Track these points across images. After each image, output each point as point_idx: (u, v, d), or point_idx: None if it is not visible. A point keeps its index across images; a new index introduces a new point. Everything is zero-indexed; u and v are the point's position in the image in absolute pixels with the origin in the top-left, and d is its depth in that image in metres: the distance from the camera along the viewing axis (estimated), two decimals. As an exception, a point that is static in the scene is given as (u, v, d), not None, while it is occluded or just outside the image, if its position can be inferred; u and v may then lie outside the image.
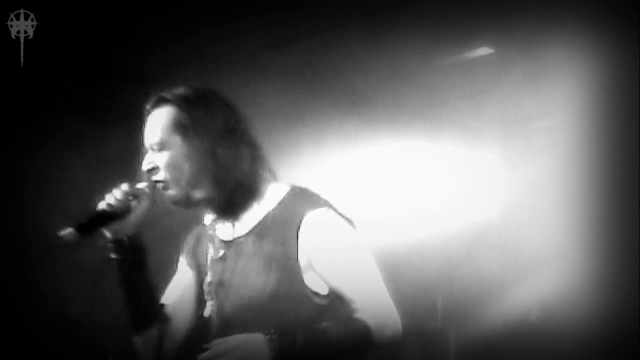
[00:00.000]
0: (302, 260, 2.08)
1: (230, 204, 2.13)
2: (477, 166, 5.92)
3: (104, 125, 4.54)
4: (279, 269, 2.07)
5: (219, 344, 1.98)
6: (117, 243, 2.09)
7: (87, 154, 4.51)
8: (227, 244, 2.19)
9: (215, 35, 4.50)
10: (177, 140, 2.10)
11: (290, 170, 4.85)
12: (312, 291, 2.10)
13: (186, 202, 2.12)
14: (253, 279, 2.10)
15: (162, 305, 2.20)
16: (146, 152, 2.15)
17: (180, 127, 2.11)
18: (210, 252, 2.22)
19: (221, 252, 2.18)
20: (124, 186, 2.08)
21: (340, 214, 2.15)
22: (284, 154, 5.07)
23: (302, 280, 2.08)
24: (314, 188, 2.21)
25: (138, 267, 2.12)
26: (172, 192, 2.10)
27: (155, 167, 2.11)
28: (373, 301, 2.11)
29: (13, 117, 4.30)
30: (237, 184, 2.11)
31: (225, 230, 2.20)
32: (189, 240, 2.33)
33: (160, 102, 2.16)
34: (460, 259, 5.87)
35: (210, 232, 2.22)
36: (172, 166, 2.09)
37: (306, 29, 4.50)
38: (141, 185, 2.10)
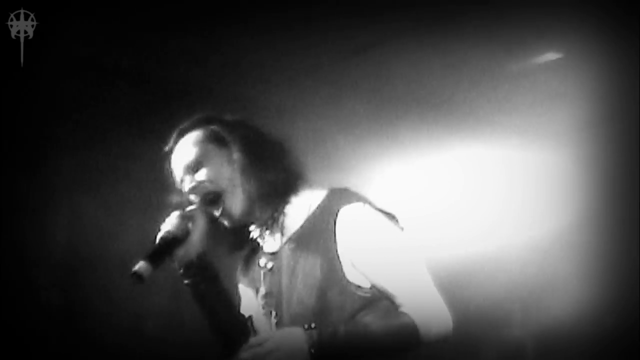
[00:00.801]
0: (342, 255, 2.10)
1: (270, 213, 2.17)
2: (549, 172, 5.85)
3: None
4: (322, 268, 2.08)
5: (259, 344, 1.99)
6: (187, 266, 2.09)
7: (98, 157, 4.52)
8: (273, 255, 2.21)
9: (280, 48, 4.52)
10: (214, 150, 2.15)
11: (359, 178, 4.98)
12: (355, 285, 2.09)
13: (243, 214, 2.14)
14: (302, 285, 2.11)
15: (248, 317, 2.19)
16: (182, 179, 2.16)
17: (214, 138, 2.15)
18: (261, 265, 2.24)
19: (270, 264, 2.21)
20: (174, 214, 2.10)
21: (379, 209, 2.15)
22: (354, 163, 5.17)
23: (344, 275, 2.08)
24: (353, 188, 2.22)
25: (212, 284, 2.12)
26: (225, 203, 2.12)
27: (198, 184, 2.13)
28: (417, 296, 2.09)
29: (13, 117, 4.29)
30: (272, 191, 2.14)
31: (271, 241, 2.23)
32: (239, 264, 2.36)
33: (187, 130, 2.20)
34: (536, 267, 5.83)
35: (257, 244, 2.25)
36: (216, 177, 2.13)
37: (372, 39, 4.50)
38: (191, 207, 2.13)
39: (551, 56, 4.80)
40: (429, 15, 4.21)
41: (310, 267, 2.11)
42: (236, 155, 2.13)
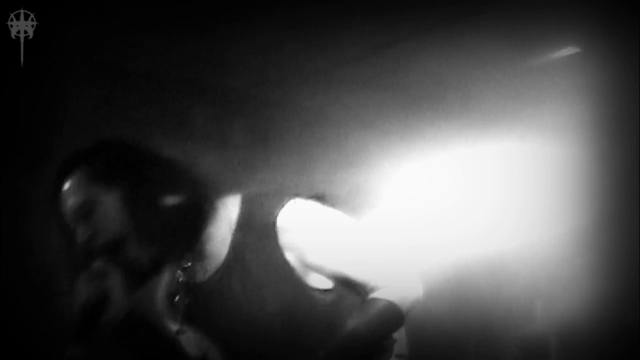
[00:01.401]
0: (297, 263, 1.97)
1: (185, 244, 1.95)
2: (570, 167, 5.82)
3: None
4: (276, 286, 1.94)
5: None
6: (119, 330, 1.92)
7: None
8: (202, 285, 2.00)
9: (297, 49, 4.50)
10: (100, 191, 1.91)
11: (379, 175, 5.02)
12: (319, 290, 2.00)
13: (152, 256, 1.90)
14: (249, 308, 1.95)
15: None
16: (74, 230, 1.92)
17: (98, 176, 1.92)
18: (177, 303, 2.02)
19: (187, 300, 2.01)
20: (82, 276, 1.87)
21: (309, 198, 2.03)
22: (375, 160, 5.19)
23: (306, 284, 1.98)
24: (264, 189, 2.12)
25: (153, 338, 1.98)
26: (129, 249, 1.88)
27: (93, 234, 1.90)
28: (385, 271, 2.00)
29: (13, 117, 4.28)
30: (179, 220, 1.92)
31: (198, 273, 2.00)
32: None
33: (66, 171, 1.95)
34: (559, 262, 5.83)
35: (180, 280, 2.00)
36: (110, 222, 1.89)
37: (390, 38, 4.46)
38: (96, 263, 1.89)
39: (569, 51, 4.73)
40: (446, 12, 4.17)
41: (254, 287, 1.94)
42: (126, 193, 1.89)
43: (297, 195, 2.01)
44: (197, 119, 4.81)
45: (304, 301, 1.97)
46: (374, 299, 1.96)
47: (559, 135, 5.72)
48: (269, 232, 1.93)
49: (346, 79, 4.96)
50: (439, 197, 5.49)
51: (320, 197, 2.05)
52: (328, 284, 2.02)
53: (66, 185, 1.95)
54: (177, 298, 2.00)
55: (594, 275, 5.61)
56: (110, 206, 1.90)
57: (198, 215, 1.95)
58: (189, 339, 2.02)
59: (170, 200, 1.92)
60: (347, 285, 2.02)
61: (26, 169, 4.27)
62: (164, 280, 2.04)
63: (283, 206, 1.95)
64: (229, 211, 2.00)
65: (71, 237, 1.94)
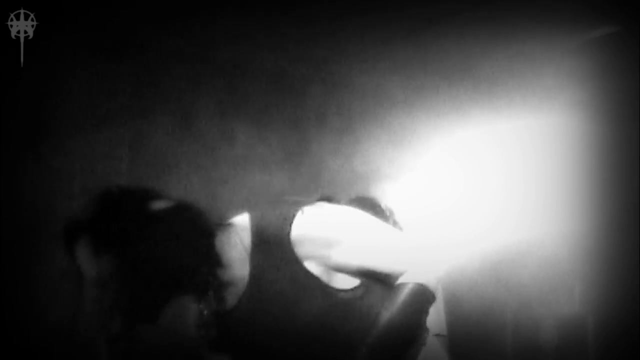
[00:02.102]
0: (318, 271, 1.98)
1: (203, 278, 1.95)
2: (608, 147, 5.75)
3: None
4: (304, 299, 1.97)
5: None
6: None
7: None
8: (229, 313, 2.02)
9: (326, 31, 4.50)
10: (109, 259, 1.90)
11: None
12: (345, 290, 2.01)
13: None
14: (281, 326, 1.97)
15: None
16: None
17: (101, 247, 1.90)
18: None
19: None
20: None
21: (316, 201, 2.04)
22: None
23: (332, 288, 1.99)
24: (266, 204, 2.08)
25: None
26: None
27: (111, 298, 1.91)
28: (403, 257, 2.02)
29: (13, 117, 4.28)
30: (194, 251, 1.92)
31: (222, 300, 2.02)
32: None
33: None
34: (594, 243, 5.79)
35: (205, 313, 2.00)
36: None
37: (419, 24, 4.45)
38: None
39: (607, 30, 4.64)
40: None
41: (287, 308, 1.96)
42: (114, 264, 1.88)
43: (301, 203, 2.02)
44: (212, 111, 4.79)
45: (336, 306, 1.99)
46: (401, 284, 1.99)
47: (593, 117, 5.64)
48: (285, 246, 1.95)
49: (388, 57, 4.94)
50: (483, 180, 5.50)
51: (328, 199, 2.07)
52: (355, 282, 2.04)
53: (77, 258, 1.93)
54: (202, 331, 2.02)
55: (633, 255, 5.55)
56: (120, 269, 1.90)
57: (210, 246, 1.96)
58: None
59: (179, 239, 1.92)
60: (374, 278, 2.04)
61: (26, 169, 4.27)
62: (190, 318, 2.05)
63: (293, 217, 1.96)
64: (240, 233, 2.00)
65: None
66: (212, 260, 1.95)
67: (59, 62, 4.35)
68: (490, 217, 5.58)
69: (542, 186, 5.68)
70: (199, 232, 1.95)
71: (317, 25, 4.42)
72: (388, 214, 3.35)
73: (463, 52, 4.89)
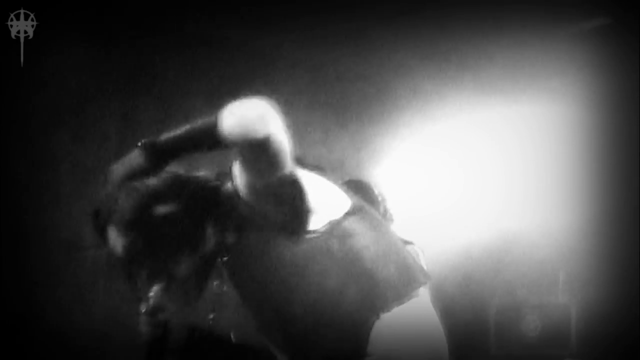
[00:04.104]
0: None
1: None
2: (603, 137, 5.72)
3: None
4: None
5: None
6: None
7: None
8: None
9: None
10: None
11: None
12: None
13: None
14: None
15: None
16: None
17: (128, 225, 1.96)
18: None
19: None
20: (141, 317, 2.00)
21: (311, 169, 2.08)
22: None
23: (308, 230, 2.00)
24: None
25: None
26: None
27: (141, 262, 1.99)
28: None
29: (13, 117, 4.28)
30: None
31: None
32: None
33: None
34: (580, 233, 5.79)
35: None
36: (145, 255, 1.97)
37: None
38: (151, 302, 2.00)
39: (600, 21, 4.66)
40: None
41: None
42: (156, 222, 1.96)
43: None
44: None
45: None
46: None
47: (582, 106, 5.63)
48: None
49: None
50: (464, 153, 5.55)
51: (319, 169, 2.10)
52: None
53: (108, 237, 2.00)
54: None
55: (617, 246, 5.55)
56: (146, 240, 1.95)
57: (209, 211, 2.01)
58: None
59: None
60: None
61: (26, 170, 4.27)
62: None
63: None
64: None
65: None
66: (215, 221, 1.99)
67: (59, 62, 4.35)
68: (477, 205, 5.61)
69: (530, 175, 5.70)
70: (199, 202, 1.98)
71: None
72: (380, 199, 3.38)
73: (454, 40, 4.90)
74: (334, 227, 1.95)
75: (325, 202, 1.98)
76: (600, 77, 5.23)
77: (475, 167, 5.68)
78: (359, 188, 3.34)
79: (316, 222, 1.96)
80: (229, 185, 1.97)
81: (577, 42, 4.82)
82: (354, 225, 1.97)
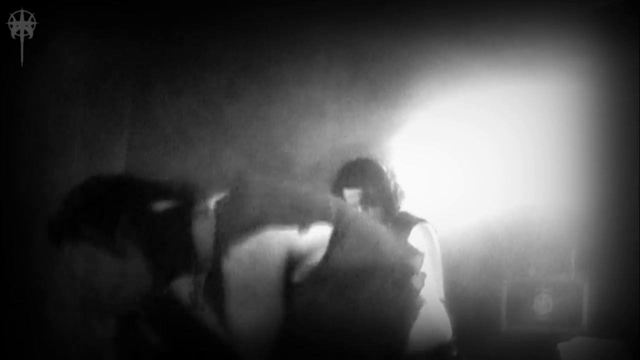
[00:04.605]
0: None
1: None
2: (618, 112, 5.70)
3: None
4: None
5: None
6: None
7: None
8: None
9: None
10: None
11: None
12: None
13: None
14: None
15: None
16: None
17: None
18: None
19: None
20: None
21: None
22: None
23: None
24: None
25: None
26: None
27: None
28: None
29: (13, 117, 4.28)
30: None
31: None
32: None
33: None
34: (592, 210, 5.80)
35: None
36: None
37: None
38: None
39: (612, 1, 4.70)
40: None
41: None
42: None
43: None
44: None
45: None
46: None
47: (595, 85, 5.62)
48: None
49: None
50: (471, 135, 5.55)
51: None
52: None
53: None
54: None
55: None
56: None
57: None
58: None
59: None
60: None
61: (26, 170, 4.27)
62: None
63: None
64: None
65: None
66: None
67: (59, 62, 4.36)
68: (490, 183, 5.58)
69: (542, 153, 5.69)
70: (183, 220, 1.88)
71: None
72: (390, 176, 3.36)
73: (464, 15, 4.90)
74: None
75: None
76: (614, 56, 5.24)
77: (488, 145, 5.66)
78: (367, 166, 3.33)
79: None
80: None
81: (590, 21, 4.83)
82: None
